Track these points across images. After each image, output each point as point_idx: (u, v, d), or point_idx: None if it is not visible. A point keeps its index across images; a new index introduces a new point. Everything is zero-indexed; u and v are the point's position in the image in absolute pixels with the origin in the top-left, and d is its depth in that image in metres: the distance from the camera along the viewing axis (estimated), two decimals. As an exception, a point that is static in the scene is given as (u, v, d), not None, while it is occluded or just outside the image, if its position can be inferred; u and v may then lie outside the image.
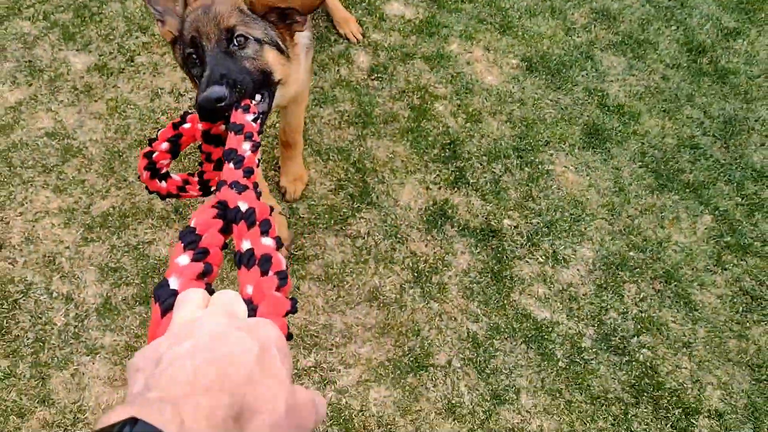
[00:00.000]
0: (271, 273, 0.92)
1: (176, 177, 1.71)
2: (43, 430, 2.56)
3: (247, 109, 1.60)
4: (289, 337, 0.82)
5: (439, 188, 3.34)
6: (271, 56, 2.00)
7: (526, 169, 3.45)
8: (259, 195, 1.17)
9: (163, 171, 1.67)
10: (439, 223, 3.21)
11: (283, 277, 0.91)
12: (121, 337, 2.79)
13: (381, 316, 2.90)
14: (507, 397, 2.72)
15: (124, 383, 2.67)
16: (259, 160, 1.40)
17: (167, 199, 1.88)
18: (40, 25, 3.94)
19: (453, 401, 2.69)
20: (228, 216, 1.06)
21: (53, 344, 2.77)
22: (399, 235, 3.16)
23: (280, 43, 2.05)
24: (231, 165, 1.27)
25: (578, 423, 2.69)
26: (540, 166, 3.47)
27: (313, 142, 3.47)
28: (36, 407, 2.61)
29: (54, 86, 3.64)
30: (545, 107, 3.77)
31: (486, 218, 3.24)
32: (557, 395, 2.75)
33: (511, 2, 4.36)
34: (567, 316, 2.97)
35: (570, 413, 2.71)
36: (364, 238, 3.15)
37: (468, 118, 3.64)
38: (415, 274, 3.03)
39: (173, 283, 0.87)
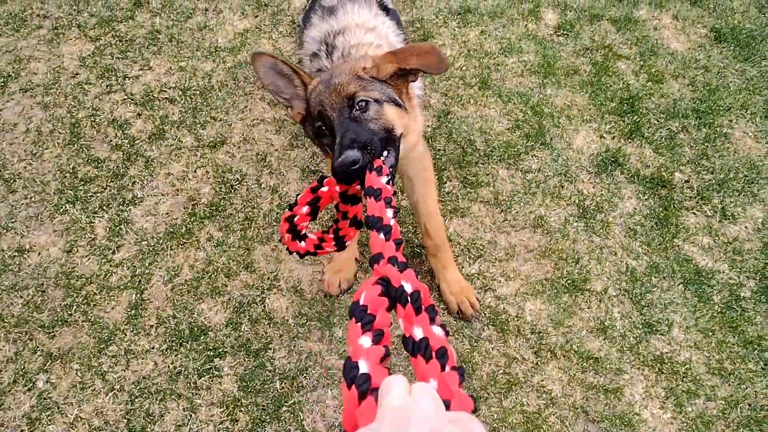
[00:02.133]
0: (448, 368, 0.95)
1: (313, 236, 1.87)
2: (244, 289, 3.05)
3: (380, 171, 1.70)
4: None
5: (613, 138, 3.48)
6: (391, 112, 2.10)
7: (704, 129, 3.50)
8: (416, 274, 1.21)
9: (303, 233, 1.85)
10: (609, 168, 3.36)
11: (461, 373, 0.94)
12: (315, 227, 3.22)
13: (543, 241, 3.12)
14: (659, 329, 2.85)
15: (314, 262, 3.11)
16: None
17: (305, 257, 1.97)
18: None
19: (605, 323, 2.87)
20: (392, 294, 1.09)
21: (259, 224, 3.26)
22: (568, 174, 3.35)
23: (398, 98, 2.16)
24: (381, 235, 1.31)
25: (728, 362, 2.76)
26: (718, 129, 3.50)
27: (495, 85, 3.73)
28: (240, 271, 3.11)
29: (275, 19, 4.18)
30: (730, 76, 3.77)
31: (657, 169, 3.34)
32: (709, 334, 2.83)
33: (706, -24, 4.36)
34: (729, 266, 3.02)
35: (720, 352, 2.79)
36: (534, 173, 3.37)
37: (650, 77, 3.74)
38: (581, 210, 3.22)
39: (363, 367, 0.92)
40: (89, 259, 3.18)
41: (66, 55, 4.06)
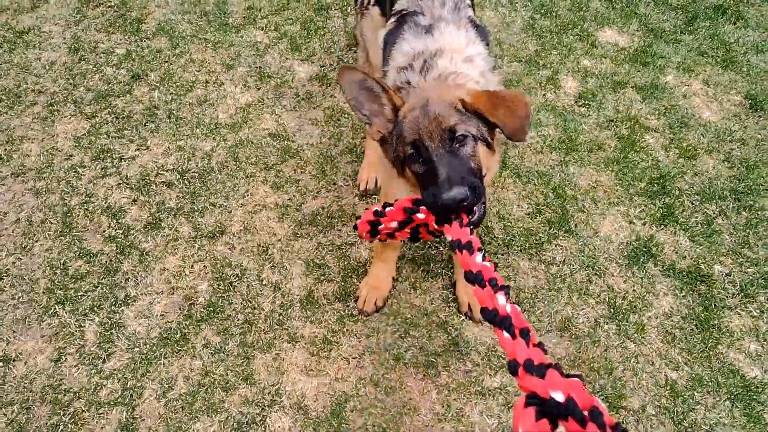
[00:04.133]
0: None
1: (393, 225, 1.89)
2: (243, 406, 2.78)
3: (471, 249, 1.60)
4: None
5: (644, 224, 3.20)
6: (482, 152, 2.09)
7: (744, 213, 3.21)
8: (558, 368, 1.11)
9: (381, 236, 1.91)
10: (642, 260, 3.07)
11: None
12: (320, 330, 2.96)
13: (572, 348, 2.83)
14: (705, 456, 2.54)
15: (319, 373, 2.84)
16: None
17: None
18: (272, 35, 4.33)
19: (645, 449, 2.56)
20: (547, 410, 1.01)
21: (260, 327, 3.00)
22: (596, 267, 3.07)
23: (488, 137, 2.12)
24: (506, 334, 1.23)
25: (788, 498, 2.45)
26: (760, 212, 3.21)
27: (513, 164, 3.47)
28: (239, 384, 2.84)
29: (279, 92, 3.97)
30: (770, 149, 3.48)
31: (695, 261, 3.05)
32: (764, 463, 2.52)
33: (736, 36, 4.10)
34: (782, 378, 2.71)
35: (778, 486, 2.48)
36: (559, 265, 3.09)
37: (681, 153, 3.46)
38: (612, 310, 2.93)
39: None
40: (78, 369, 2.93)
41: (60, 135, 3.87)
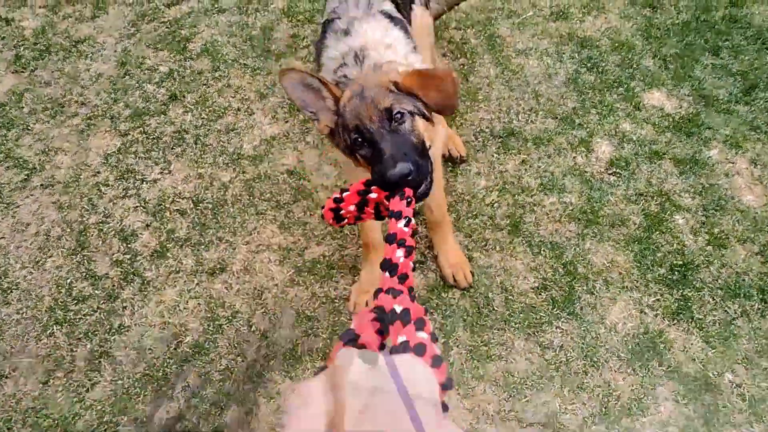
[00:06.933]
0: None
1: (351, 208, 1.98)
2: (212, 457, 2.76)
3: (398, 216, 1.71)
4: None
5: (656, 315, 2.97)
6: (420, 125, 2.21)
7: (769, 318, 2.93)
8: (414, 298, 1.27)
9: (349, 219, 2.01)
10: (646, 357, 2.85)
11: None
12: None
13: (552, 446, 2.66)
14: None
15: (288, 435, 2.77)
16: (414, 264, 1.50)
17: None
18: (310, 66, 4.29)
19: None
20: (385, 319, 1.14)
21: (239, 377, 2.97)
22: (596, 359, 2.87)
23: (425, 111, 2.24)
24: (387, 274, 1.40)
25: None
26: (788, 319, 2.92)
27: (527, 231, 3.30)
28: (210, 434, 2.82)
29: (305, 127, 3.93)
30: (812, 245, 3.16)
31: (704, 366, 2.80)
32: None
33: (798, 109, 3.75)
34: None
35: None
36: (556, 351, 2.91)
37: (711, 239, 3.19)
38: (604, 410, 2.72)
39: None
40: (62, 395, 3.00)
41: (93, 150, 3.97)
